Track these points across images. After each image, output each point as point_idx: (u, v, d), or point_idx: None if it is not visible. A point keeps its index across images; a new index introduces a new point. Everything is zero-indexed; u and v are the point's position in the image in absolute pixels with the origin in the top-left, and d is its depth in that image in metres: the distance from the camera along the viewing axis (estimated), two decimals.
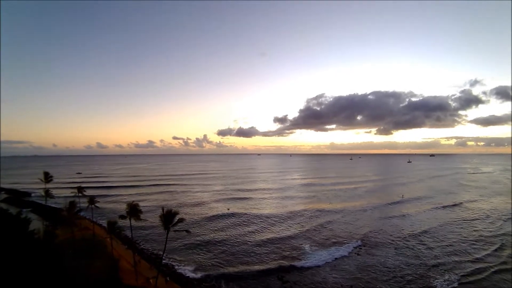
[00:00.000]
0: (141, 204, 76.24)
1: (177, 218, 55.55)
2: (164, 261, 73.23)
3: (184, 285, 63.33)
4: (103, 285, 58.66)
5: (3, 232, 63.01)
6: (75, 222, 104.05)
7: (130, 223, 68.28)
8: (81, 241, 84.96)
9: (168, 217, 54.84)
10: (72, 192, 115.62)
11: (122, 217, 66.34)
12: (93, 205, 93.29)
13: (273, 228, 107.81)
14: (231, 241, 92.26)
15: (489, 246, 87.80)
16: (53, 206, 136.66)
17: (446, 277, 67.37)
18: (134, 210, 65.19)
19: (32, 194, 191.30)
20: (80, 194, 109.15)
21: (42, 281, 55.06)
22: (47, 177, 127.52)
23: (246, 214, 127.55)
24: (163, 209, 57.18)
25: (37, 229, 76.83)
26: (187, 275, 69.08)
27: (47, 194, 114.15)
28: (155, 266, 69.75)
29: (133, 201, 69.63)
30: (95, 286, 57.53)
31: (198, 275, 68.86)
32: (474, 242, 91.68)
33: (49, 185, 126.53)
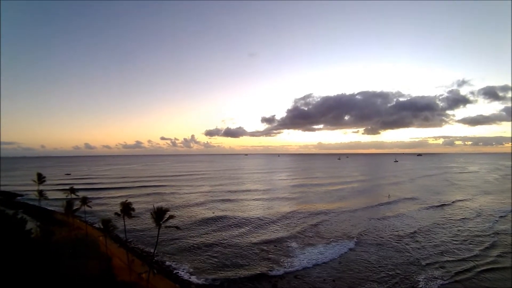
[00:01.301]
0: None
1: (167, 215, 59.50)
2: (155, 259, 76.92)
3: (173, 280, 67.34)
4: (98, 281, 62.25)
5: (1, 231, 66.18)
6: (68, 222, 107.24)
7: (124, 220, 72.17)
8: (74, 240, 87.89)
9: (159, 214, 58.68)
10: (64, 193, 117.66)
11: (116, 214, 70.57)
12: (85, 206, 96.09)
13: (262, 230, 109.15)
14: (221, 243, 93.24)
15: (478, 246, 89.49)
16: (44, 207, 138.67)
17: (433, 276, 68.79)
18: (126, 208, 69.12)
19: (23, 196, 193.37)
20: (73, 195, 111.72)
21: (39, 279, 58.40)
22: (40, 178, 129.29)
23: (234, 216, 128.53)
24: (154, 207, 60.96)
25: (34, 228, 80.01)
26: (176, 271, 73.22)
27: (41, 195, 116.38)
28: (147, 263, 73.35)
29: (126, 200, 73.50)
30: (90, 283, 61.10)
31: (188, 274, 72.13)
32: (463, 242, 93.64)
33: (38, 187, 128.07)
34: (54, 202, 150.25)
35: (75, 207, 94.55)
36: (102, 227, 76.81)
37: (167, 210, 60.06)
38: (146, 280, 62.25)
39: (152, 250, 79.76)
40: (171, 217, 59.97)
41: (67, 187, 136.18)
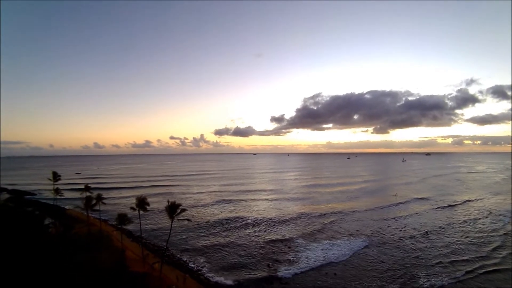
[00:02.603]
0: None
1: (180, 209, 62.98)
2: (167, 253, 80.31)
3: (184, 270, 70.83)
4: (112, 272, 65.74)
5: (22, 226, 70.26)
6: (82, 219, 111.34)
7: (139, 214, 76.07)
8: (89, 235, 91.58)
9: (173, 207, 62.23)
10: (79, 192, 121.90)
11: (132, 209, 74.34)
12: (100, 202, 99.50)
13: (271, 229, 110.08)
14: (231, 243, 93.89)
15: (486, 246, 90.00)
16: (55, 205, 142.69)
17: (439, 276, 69.75)
18: (142, 203, 72.84)
19: (35, 194, 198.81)
20: (87, 193, 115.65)
21: (56, 270, 61.96)
22: (56, 177, 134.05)
23: (244, 216, 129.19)
24: (168, 201, 64.67)
25: (51, 223, 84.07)
26: (186, 265, 76.84)
27: (57, 192, 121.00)
28: (159, 255, 77.00)
29: (141, 195, 77.27)
30: (104, 273, 64.58)
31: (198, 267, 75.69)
32: (471, 242, 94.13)
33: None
34: (65, 200, 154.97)
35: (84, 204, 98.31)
36: (115, 223, 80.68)
37: (179, 204, 63.68)
38: (159, 271, 65.52)
39: (163, 246, 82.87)
40: (183, 210, 63.60)
41: (78, 186, 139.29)
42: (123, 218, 74.36)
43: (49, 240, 73.06)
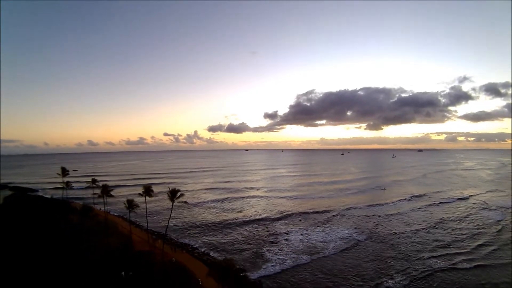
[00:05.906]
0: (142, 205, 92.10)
1: (179, 194, 75.64)
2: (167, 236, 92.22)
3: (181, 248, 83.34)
4: (121, 251, 77.42)
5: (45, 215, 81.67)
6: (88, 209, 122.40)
7: (145, 200, 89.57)
8: (97, 223, 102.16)
9: (173, 192, 74.88)
10: (86, 183, 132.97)
11: (139, 194, 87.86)
12: (106, 195, 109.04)
13: (264, 224, 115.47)
14: (225, 240, 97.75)
15: (476, 241, 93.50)
16: (58, 198, 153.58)
17: (427, 270, 72.59)
18: (147, 190, 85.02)
19: (37, 190, 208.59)
20: (94, 186, 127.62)
21: (72, 251, 73.54)
22: (64, 172, 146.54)
23: (237, 211, 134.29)
24: (169, 188, 77.61)
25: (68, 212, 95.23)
26: (185, 244, 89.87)
27: (67, 185, 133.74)
28: (161, 237, 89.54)
29: (147, 184, 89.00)
30: (116, 252, 76.08)
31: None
32: (460, 238, 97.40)
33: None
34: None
35: (95, 196, 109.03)
36: (124, 209, 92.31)
37: (178, 190, 76.88)
38: (161, 248, 77.53)
39: (164, 232, 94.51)
40: (182, 195, 76.34)
41: (79, 184, 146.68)
42: (131, 203, 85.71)
43: (69, 227, 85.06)
